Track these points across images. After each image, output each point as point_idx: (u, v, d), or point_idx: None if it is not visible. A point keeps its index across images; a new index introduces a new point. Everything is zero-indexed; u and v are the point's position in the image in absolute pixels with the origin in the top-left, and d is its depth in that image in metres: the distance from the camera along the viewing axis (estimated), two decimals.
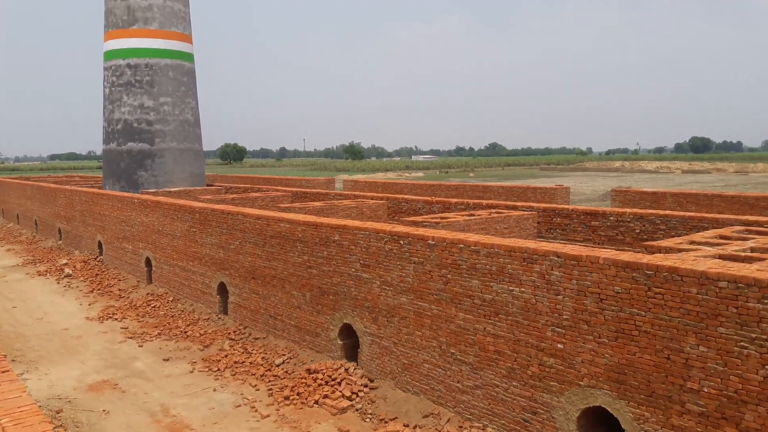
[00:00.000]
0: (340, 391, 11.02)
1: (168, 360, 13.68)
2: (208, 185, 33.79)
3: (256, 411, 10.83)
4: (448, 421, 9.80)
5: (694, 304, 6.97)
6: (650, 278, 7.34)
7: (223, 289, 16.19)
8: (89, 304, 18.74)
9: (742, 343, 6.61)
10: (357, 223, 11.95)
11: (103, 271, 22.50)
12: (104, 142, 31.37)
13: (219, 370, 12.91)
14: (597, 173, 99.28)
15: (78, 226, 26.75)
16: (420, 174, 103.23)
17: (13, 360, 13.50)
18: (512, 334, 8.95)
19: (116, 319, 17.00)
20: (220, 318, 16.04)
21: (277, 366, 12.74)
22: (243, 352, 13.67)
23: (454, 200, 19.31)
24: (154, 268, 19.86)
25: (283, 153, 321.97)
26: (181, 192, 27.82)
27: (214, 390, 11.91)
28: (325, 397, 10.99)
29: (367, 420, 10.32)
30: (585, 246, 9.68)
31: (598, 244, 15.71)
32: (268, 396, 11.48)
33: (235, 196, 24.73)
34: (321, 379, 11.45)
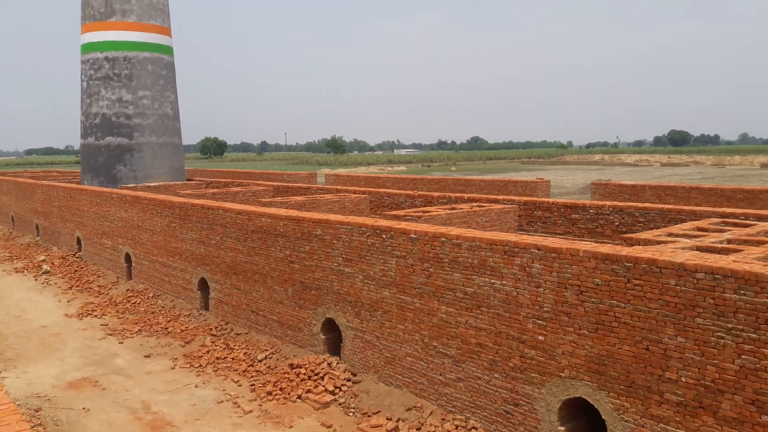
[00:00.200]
0: (323, 386, 11.02)
1: (149, 356, 13.57)
2: (188, 180, 33.47)
3: (238, 407, 10.79)
4: (431, 413, 9.85)
5: (673, 295, 7.07)
6: (629, 270, 7.43)
7: (204, 285, 16.07)
8: (68, 301, 18.50)
9: (719, 333, 6.72)
10: (339, 217, 11.93)
11: (82, 268, 22.21)
12: (82, 136, 30.90)
13: (201, 366, 12.83)
14: (577, 166, 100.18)
15: (56, 222, 26.37)
16: (402, 168, 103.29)
17: None
18: (494, 326, 9.01)
19: (96, 315, 16.81)
20: (201, 314, 15.93)
21: (260, 361, 12.69)
22: (225, 348, 13.59)
23: (436, 194, 19.34)
24: (133, 264, 19.65)
25: (264, 147, 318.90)
26: (160, 187, 27.53)
27: (196, 386, 11.84)
28: (308, 391, 10.98)
29: (350, 414, 10.34)
30: (565, 239, 9.76)
31: (578, 236, 15.85)
32: (251, 391, 11.44)
33: (215, 190, 24.51)
34: (304, 374, 11.44)
